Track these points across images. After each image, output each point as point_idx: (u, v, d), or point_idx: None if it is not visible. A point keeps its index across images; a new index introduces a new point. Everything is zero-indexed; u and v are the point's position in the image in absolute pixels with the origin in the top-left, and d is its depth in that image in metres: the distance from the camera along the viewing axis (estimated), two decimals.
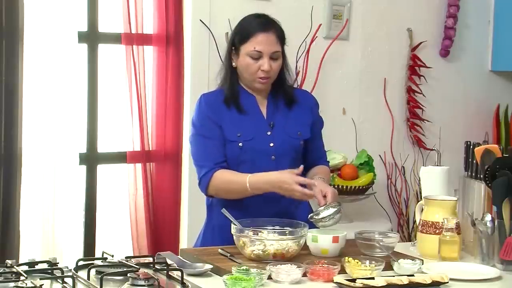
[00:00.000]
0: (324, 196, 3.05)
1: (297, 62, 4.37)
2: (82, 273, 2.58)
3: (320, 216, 3.00)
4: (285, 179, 3.01)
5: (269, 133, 3.18)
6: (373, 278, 2.60)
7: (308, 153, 3.28)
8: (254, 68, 3.12)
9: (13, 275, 2.48)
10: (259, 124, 3.18)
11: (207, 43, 4.25)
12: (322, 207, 3.02)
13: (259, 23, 3.16)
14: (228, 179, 3.11)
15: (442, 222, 3.01)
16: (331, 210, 3.00)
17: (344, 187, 4.30)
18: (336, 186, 4.27)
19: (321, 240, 2.92)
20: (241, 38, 3.15)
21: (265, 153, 3.15)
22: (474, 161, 3.18)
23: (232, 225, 2.92)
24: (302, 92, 3.38)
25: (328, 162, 3.43)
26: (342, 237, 2.94)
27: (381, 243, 2.94)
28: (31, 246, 3.88)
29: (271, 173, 3.06)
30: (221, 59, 4.23)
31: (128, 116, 4.08)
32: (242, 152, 3.14)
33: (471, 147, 3.23)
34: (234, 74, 3.20)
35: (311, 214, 3.03)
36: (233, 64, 3.19)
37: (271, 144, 3.16)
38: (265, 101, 3.23)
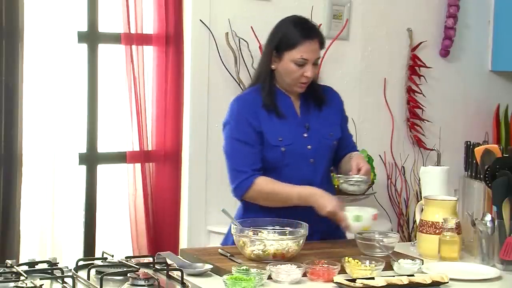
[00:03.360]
0: (359, 170, 3.12)
1: None
2: (82, 273, 2.58)
3: (348, 178, 3.09)
4: (332, 208, 3.05)
5: (305, 135, 3.20)
6: (373, 278, 2.60)
7: (340, 150, 3.31)
8: (297, 74, 3.14)
9: (13, 275, 2.48)
10: (296, 127, 3.20)
11: (207, 43, 4.25)
12: (353, 175, 3.11)
13: (304, 30, 3.17)
14: (273, 187, 3.12)
15: (442, 222, 3.01)
16: (360, 178, 3.10)
17: None
18: (336, 186, 4.27)
19: (365, 219, 3.06)
20: (286, 45, 3.15)
21: (304, 156, 3.18)
22: (474, 161, 3.18)
23: (232, 225, 2.92)
24: (328, 90, 3.36)
25: (358, 151, 3.46)
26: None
27: (381, 243, 2.94)
28: (31, 246, 3.88)
29: (320, 193, 3.09)
30: (221, 59, 4.26)
31: (127, 116, 4.08)
32: (284, 157, 3.15)
33: (471, 147, 3.23)
34: (272, 77, 3.21)
35: (340, 175, 3.12)
36: (272, 67, 3.19)
37: (309, 147, 3.19)
38: (298, 101, 3.25)
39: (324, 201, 3.05)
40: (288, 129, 3.17)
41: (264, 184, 3.12)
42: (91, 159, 4.12)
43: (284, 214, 3.06)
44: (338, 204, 3.06)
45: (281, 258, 2.80)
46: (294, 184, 3.12)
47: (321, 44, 3.20)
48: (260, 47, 4.31)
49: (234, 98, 3.28)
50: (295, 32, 3.16)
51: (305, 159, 3.18)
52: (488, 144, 3.38)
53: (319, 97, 3.26)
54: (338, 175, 3.14)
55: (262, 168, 3.14)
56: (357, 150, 3.41)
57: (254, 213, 3.12)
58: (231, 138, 3.18)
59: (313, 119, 3.23)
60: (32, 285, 2.39)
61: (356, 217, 3.04)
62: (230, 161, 3.18)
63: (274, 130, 3.15)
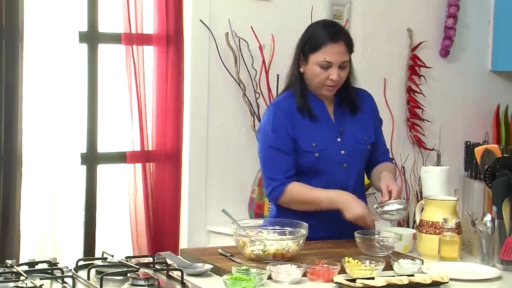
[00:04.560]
0: (389, 192, 3.11)
1: None
2: (82, 273, 2.58)
3: (386, 209, 3.07)
4: (361, 211, 3.07)
5: (339, 139, 3.21)
6: (373, 278, 2.60)
7: (372, 157, 3.32)
8: (323, 77, 3.14)
9: (13, 275, 2.48)
10: (330, 131, 3.21)
11: (207, 43, 4.25)
12: (389, 201, 3.08)
13: (329, 33, 3.16)
14: (303, 192, 3.15)
15: (442, 222, 3.01)
16: (398, 206, 3.07)
17: None
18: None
19: (404, 238, 3.06)
20: (311, 47, 3.15)
21: (338, 161, 3.20)
22: (474, 161, 3.18)
23: (232, 225, 2.93)
24: (362, 94, 3.36)
25: (392, 159, 3.44)
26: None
27: (381, 243, 2.94)
28: (31, 246, 3.88)
29: (348, 197, 3.11)
30: (221, 59, 4.25)
31: (128, 116, 4.08)
32: (318, 162, 3.17)
33: (471, 147, 3.24)
34: (302, 80, 3.21)
35: (377, 205, 3.11)
36: (301, 70, 3.20)
37: (342, 152, 3.20)
38: (332, 105, 3.25)
39: (352, 205, 3.08)
40: (321, 134, 3.18)
41: (295, 190, 3.15)
42: (91, 159, 4.12)
43: (316, 215, 3.10)
44: (366, 208, 3.09)
45: (281, 258, 2.80)
46: (328, 189, 3.15)
47: (349, 47, 3.17)
48: (260, 47, 4.31)
49: (270, 104, 3.32)
50: (319, 34, 3.16)
51: (338, 164, 3.19)
52: (488, 144, 3.39)
53: (354, 102, 3.26)
54: (376, 207, 3.11)
55: (295, 173, 3.17)
56: (390, 158, 3.41)
57: (286, 215, 3.14)
58: (266, 144, 3.20)
59: (347, 123, 3.24)
60: (32, 285, 2.39)
61: (398, 236, 3.04)
62: (264, 168, 3.22)
63: (307, 136, 3.16)
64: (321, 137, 3.18)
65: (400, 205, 3.08)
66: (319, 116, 3.20)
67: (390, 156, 3.45)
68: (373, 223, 3.10)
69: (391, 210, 3.08)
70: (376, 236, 3.02)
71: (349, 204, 3.09)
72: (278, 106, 3.22)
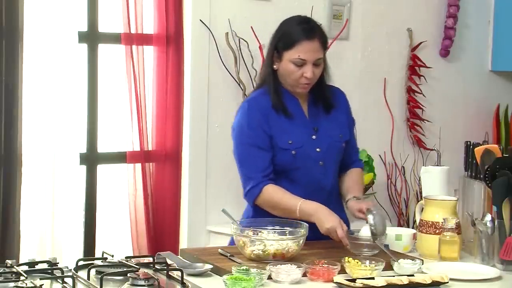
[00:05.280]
0: (363, 212, 3.03)
1: None
2: (82, 273, 2.58)
3: (370, 223, 2.96)
4: (332, 225, 2.97)
5: (314, 137, 3.17)
6: (373, 278, 2.60)
7: (344, 150, 3.26)
8: (297, 75, 3.10)
9: (13, 275, 2.48)
10: (305, 129, 3.17)
11: (207, 43, 4.25)
12: (367, 228, 2.97)
13: (303, 30, 3.11)
14: (278, 198, 3.09)
15: (442, 222, 3.02)
16: (371, 222, 2.95)
17: None
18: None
19: (404, 238, 3.04)
20: (285, 44, 3.11)
21: (314, 159, 3.15)
22: (474, 161, 3.18)
23: (232, 225, 2.92)
24: (336, 92, 3.31)
25: (361, 160, 3.42)
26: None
27: (376, 242, 2.92)
28: (31, 246, 3.88)
29: (321, 211, 3.02)
30: (221, 59, 4.26)
31: (128, 116, 4.08)
32: (294, 160, 3.13)
33: (471, 147, 3.23)
34: (276, 77, 3.17)
35: (372, 241, 2.97)
36: (275, 67, 3.16)
37: (318, 149, 3.16)
38: (306, 102, 3.21)
39: (324, 218, 3.00)
40: (296, 131, 3.15)
41: (272, 194, 3.09)
42: (91, 159, 4.12)
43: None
44: (339, 222, 2.98)
45: (281, 258, 2.80)
46: (305, 189, 3.11)
47: (323, 44, 3.13)
48: (260, 47, 4.31)
49: (244, 101, 3.25)
50: (294, 31, 3.12)
51: (315, 162, 3.15)
52: (488, 144, 3.38)
53: (328, 100, 3.22)
54: (375, 243, 2.96)
55: (273, 172, 3.11)
56: (359, 162, 3.35)
57: (262, 215, 3.11)
58: (242, 142, 3.15)
59: (322, 121, 3.20)
60: (32, 285, 2.39)
61: (397, 236, 3.02)
62: (241, 166, 3.16)
63: (283, 133, 3.12)
64: (296, 134, 3.14)
65: (370, 220, 2.95)
66: (293, 113, 3.16)
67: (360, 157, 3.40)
68: (344, 240, 2.95)
69: (375, 231, 2.93)
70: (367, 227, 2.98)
71: (322, 218, 3.00)
72: (253, 103, 3.17)
